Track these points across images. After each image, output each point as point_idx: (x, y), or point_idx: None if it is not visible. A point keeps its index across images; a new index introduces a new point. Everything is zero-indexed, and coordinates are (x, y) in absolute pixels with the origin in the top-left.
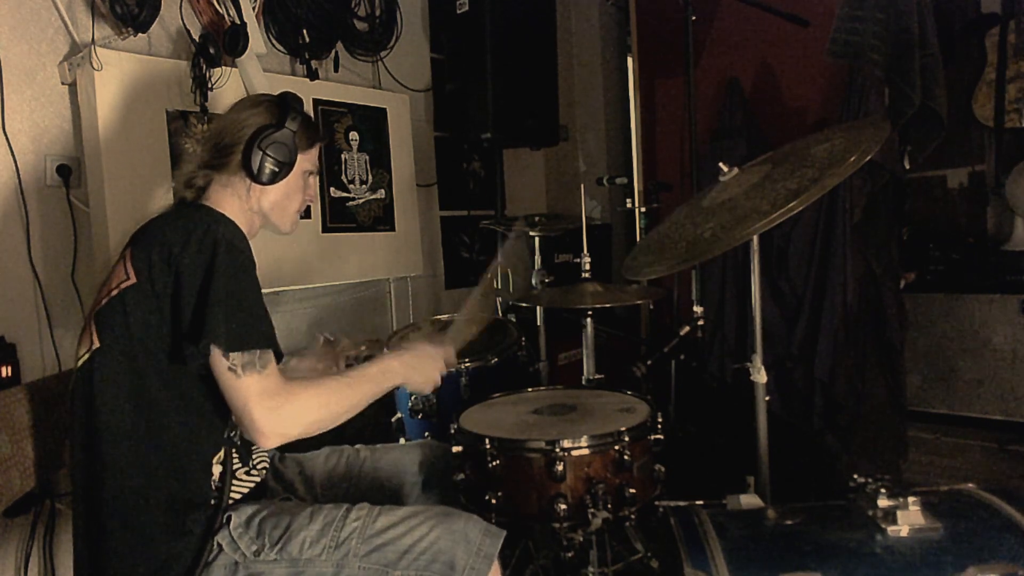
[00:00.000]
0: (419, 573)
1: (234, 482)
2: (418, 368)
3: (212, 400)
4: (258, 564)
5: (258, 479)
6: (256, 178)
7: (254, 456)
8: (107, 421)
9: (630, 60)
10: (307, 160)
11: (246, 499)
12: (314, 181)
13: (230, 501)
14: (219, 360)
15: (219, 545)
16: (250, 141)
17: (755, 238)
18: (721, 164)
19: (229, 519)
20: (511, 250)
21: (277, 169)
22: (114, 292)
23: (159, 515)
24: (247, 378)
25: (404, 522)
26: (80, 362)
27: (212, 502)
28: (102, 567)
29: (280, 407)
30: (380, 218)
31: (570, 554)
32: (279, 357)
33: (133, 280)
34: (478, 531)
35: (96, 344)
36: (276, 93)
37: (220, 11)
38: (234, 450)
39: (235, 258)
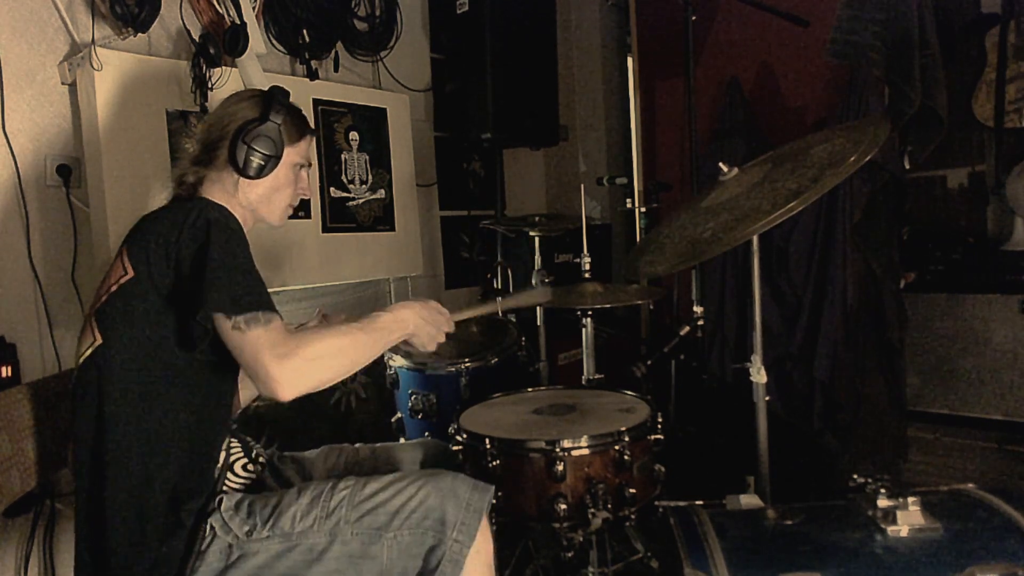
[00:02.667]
0: (411, 531)
1: (232, 477)
2: (429, 321)
3: (214, 389)
4: (252, 543)
5: (254, 476)
6: (243, 172)
7: (252, 451)
8: (111, 416)
9: (630, 60)
10: (296, 153)
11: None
12: (306, 174)
13: (224, 491)
14: (224, 323)
15: (212, 529)
16: (235, 135)
17: (755, 238)
18: (721, 164)
19: (220, 502)
20: (530, 295)
21: (263, 163)
22: (113, 288)
23: (161, 507)
24: (253, 332)
25: (392, 485)
26: (81, 359)
27: (208, 492)
28: (103, 561)
29: (292, 353)
30: (380, 218)
31: (570, 554)
32: None
33: (131, 274)
34: (466, 487)
35: (98, 340)
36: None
37: (220, 11)
38: (235, 440)
39: (228, 234)
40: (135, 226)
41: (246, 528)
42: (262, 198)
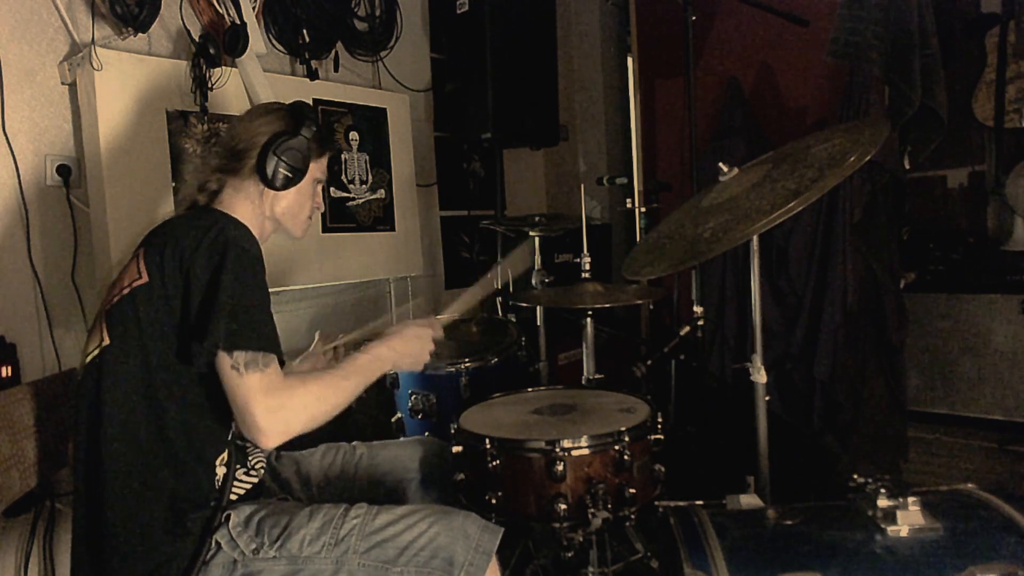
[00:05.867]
0: (418, 569)
1: (233, 482)
2: (406, 350)
3: (217, 401)
4: (257, 562)
5: (256, 480)
6: (269, 183)
7: (251, 457)
8: (113, 418)
9: (630, 60)
10: (318, 168)
11: (243, 499)
12: (321, 189)
13: (232, 499)
14: (223, 358)
15: (217, 543)
16: (265, 147)
17: (755, 238)
18: (721, 164)
19: (228, 518)
20: (517, 255)
21: (290, 175)
22: (126, 290)
23: (160, 514)
24: (249, 376)
25: (403, 519)
26: (88, 358)
27: (212, 503)
28: (101, 565)
29: (280, 406)
30: (380, 218)
31: (570, 554)
32: (281, 363)
33: (145, 279)
34: (477, 528)
35: (106, 341)
36: (279, 97)
37: (220, 11)
38: (234, 454)
39: (244, 261)
40: (154, 230)
41: (253, 546)
42: (286, 211)
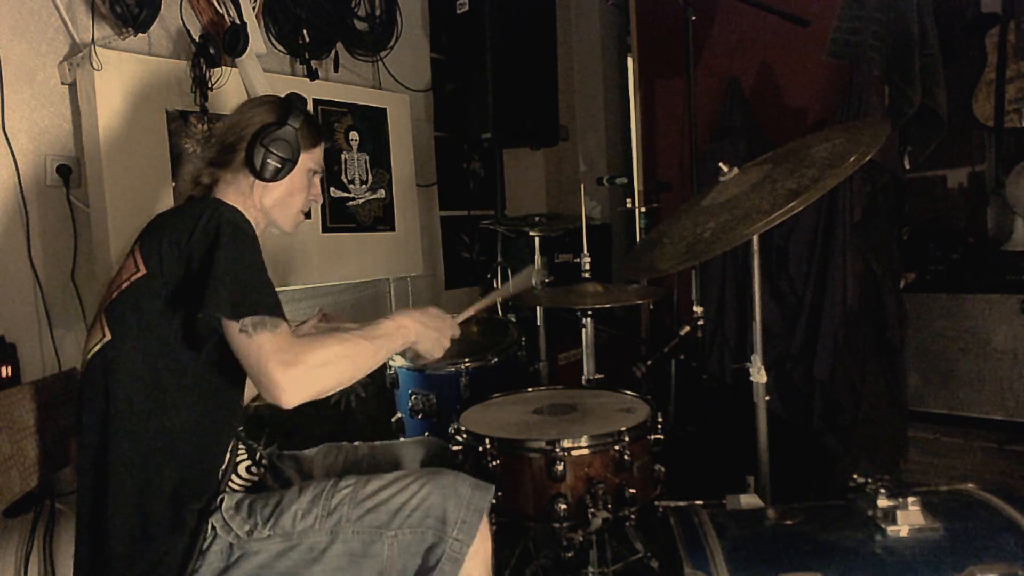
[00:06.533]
0: (412, 530)
1: (235, 479)
2: (432, 326)
3: (222, 390)
4: (252, 543)
5: (256, 479)
6: (259, 175)
7: (256, 453)
8: (117, 412)
9: (630, 60)
10: (310, 159)
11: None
12: (318, 181)
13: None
14: (230, 327)
15: (213, 528)
16: (253, 138)
17: (755, 238)
18: (721, 164)
19: (221, 501)
20: (522, 277)
21: (279, 166)
22: (124, 285)
23: (163, 507)
24: (259, 336)
25: (393, 484)
26: (89, 355)
27: (211, 492)
28: (104, 561)
29: (296, 361)
30: (380, 218)
31: (570, 554)
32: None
33: (143, 271)
34: (467, 486)
35: (107, 336)
36: (280, 94)
37: (220, 11)
38: (239, 443)
39: (238, 237)
40: (149, 224)
41: (247, 527)
42: (277, 203)
